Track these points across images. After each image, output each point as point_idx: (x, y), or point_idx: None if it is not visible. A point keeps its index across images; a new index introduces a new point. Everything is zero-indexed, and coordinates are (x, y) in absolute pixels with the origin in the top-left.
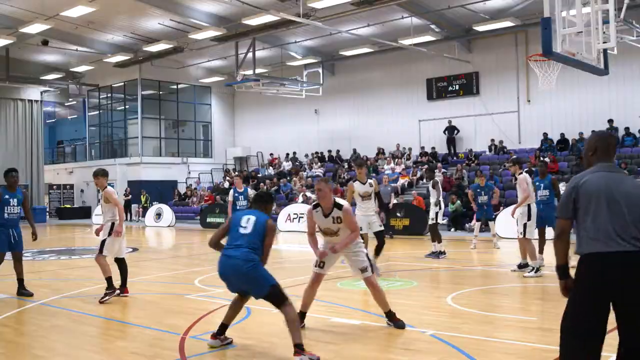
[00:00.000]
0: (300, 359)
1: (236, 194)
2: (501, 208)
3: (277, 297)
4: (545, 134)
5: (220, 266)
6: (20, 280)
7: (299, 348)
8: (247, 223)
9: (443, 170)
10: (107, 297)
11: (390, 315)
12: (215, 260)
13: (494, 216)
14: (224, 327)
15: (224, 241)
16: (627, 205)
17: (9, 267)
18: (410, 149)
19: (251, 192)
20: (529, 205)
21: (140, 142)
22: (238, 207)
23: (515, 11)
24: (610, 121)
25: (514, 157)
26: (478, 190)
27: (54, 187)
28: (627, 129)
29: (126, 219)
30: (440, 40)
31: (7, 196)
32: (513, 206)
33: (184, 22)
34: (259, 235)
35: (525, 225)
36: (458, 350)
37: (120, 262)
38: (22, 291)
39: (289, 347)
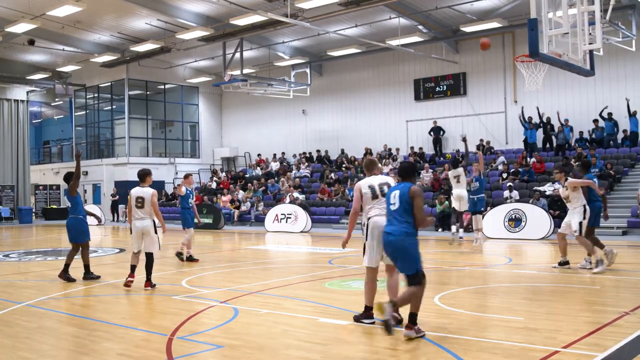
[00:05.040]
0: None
1: (187, 192)
2: (489, 208)
3: None
4: (547, 119)
5: None
6: None
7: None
8: None
9: (431, 170)
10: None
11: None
12: (203, 261)
13: (482, 209)
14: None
15: None
16: None
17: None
18: (397, 149)
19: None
20: (584, 206)
21: (127, 142)
22: (190, 205)
23: (503, 12)
24: (596, 121)
25: (560, 164)
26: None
27: (40, 187)
28: None
29: (113, 220)
30: (428, 41)
31: None
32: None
33: (172, 22)
34: None
35: (581, 224)
36: (445, 350)
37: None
38: None
39: (275, 348)
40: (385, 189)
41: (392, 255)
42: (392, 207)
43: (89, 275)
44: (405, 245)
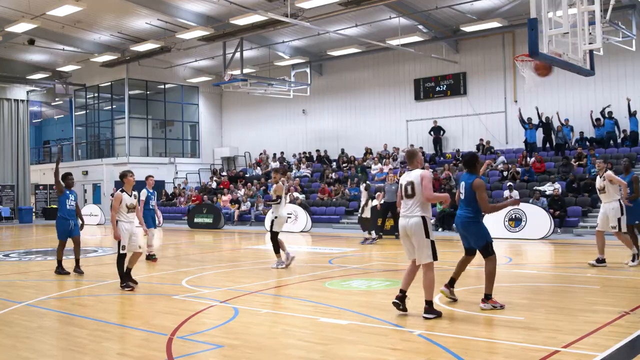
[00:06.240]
0: (484, 305)
1: (148, 194)
2: None
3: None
4: (546, 119)
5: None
6: None
7: (486, 297)
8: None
9: (431, 169)
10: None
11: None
12: (202, 261)
13: None
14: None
15: None
16: None
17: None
18: (397, 149)
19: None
20: (619, 201)
21: (127, 142)
22: (151, 207)
23: (503, 12)
24: (598, 120)
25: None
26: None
27: (40, 187)
28: None
29: None
30: (428, 41)
31: None
32: (627, 200)
33: (172, 22)
34: None
35: (619, 220)
36: (445, 350)
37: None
38: None
39: (275, 347)
40: (409, 189)
41: (462, 235)
42: (462, 196)
43: (59, 270)
44: (468, 227)
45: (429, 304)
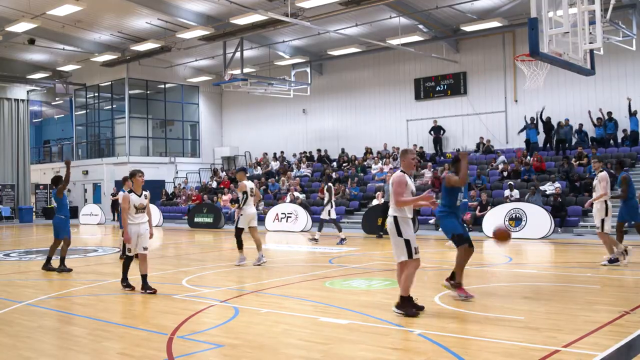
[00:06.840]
0: (446, 283)
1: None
2: (488, 208)
3: None
4: (547, 119)
5: None
6: None
7: (455, 282)
8: None
9: (432, 169)
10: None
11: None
12: (202, 260)
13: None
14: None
15: None
16: None
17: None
18: (398, 149)
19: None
20: (605, 202)
21: (127, 141)
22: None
23: (503, 11)
24: (599, 120)
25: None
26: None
27: (41, 186)
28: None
29: (113, 219)
30: (428, 40)
31: None
32: (591, 200)
33: (172, 22)
34: None
35: (603, 221)
36: (445, 349)
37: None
38: None
39: (276, 347)
40: (388, 189)
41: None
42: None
43: (62, 268)
44: (440, 220)
45: (401, 299)
